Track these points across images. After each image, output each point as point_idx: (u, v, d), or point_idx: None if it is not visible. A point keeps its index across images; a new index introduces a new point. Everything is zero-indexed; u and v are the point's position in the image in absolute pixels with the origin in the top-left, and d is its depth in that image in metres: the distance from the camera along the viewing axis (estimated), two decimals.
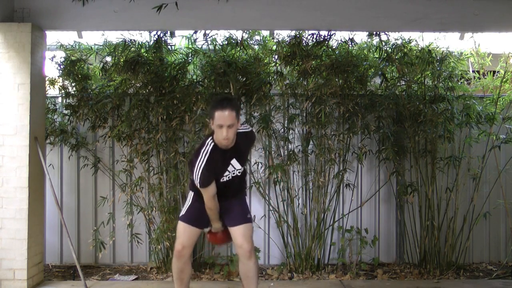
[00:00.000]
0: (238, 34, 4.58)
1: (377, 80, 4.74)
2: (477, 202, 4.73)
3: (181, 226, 3.00)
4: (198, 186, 2.80)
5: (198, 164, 2.74)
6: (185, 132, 4.59)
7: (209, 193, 2.82)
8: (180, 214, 3.08)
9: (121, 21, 4.15)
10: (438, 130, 4.64)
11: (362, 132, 4.69)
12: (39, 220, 4.14)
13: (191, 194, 3.07)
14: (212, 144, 2.79)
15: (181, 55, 4.65)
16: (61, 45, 4.67)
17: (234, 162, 2.88)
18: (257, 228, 4.82)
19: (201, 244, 4.61)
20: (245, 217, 2.99)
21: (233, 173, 2.91)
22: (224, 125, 2.67)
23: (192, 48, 4.61)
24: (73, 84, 4.69)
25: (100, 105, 4.50)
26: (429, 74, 4.63)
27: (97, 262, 4.93)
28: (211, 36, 4.55)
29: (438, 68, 4.55)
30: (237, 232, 2.94)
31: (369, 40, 4.70)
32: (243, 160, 2.95)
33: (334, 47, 4.57)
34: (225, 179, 2.90)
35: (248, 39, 4.66)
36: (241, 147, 2.90)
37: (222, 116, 2.66)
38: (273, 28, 4.52)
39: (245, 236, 2.93)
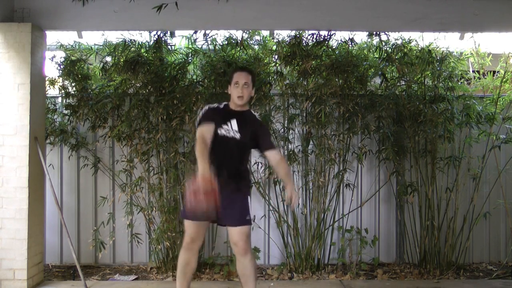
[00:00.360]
0: (238, 34, 4.58)
1: (377, 80, 4.74)
2: (477, 202, 4.73)
3: (186, 222, 3.05)
4: (197, 125, 3.00)
5: (206, 107, 3.09)
6: (185, 132, 4.59)
7: (202, 131, 2.92)
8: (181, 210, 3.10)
9: (121, 21, 4.14)
10: (438, 130, 4.64)
11: (362, 132, 4.69)
12: (39, 220, 4.14)
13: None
14: (225, 103, 3.12)
15: (181, 55, 4.65)
16: (61, 45, 4.67)
17: (233, 122, 3.02)
18: (257, 228, 4.82)
19: (201, 244, 4.59)
20: (244, 219, 2.99)
21: (230, 132, 2.99)
22: (240, 82, 2.99)
23: (192, 48, 4.61)
24: (73, 84, 4.68)
25: (100, 105, 4.50)
26: (429, 74, 4.63)
27: (97, 262, 4.93)
28: (211, 36, 4.55)
29: (438, 68, 4.55)
30: (234, 231, 2.96)
31: (369, 40, 4.70)
32: (243, 132, 3.01)
33: (334, 47, 4.57)
34: (223, 133, 2.99)
35: (248, 39, 4.66)
36: (247, 119, 3.06)
37: (240, 75, 3.02)
38: (273, 28, 4.51)
39: (240, 234, 2.95)
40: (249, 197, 3.10)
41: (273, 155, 3.06)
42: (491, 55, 4.78)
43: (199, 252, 4.51)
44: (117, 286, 4.18)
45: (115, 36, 4.54)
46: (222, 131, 3.00)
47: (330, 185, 4.72)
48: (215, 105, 3.12)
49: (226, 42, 4.59)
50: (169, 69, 4.52)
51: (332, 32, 4.43)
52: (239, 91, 2.98)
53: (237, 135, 3.00)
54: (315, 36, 4.47)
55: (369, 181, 5.02)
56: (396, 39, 4.58)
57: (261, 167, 4.78)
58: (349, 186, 4.76)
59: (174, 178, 4.50)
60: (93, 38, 4.70)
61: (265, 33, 4.72)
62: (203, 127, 2.96)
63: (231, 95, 3.04)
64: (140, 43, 4.54)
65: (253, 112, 3.20)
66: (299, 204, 4.77)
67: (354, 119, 4.59)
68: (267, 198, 4.81)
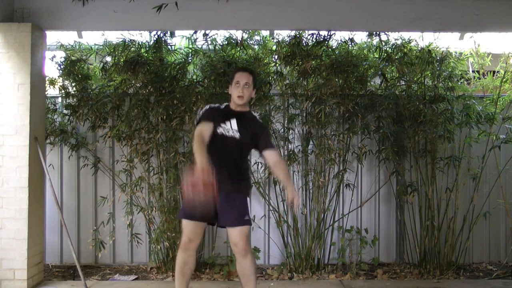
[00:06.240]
0: (238, 34, 4.58)
1: (377, 80, 4.74)
2: (477, 202, 4.73)
3: (183, 222, 3.04)
4: (196, 123, 3.05)
5: (207, 106, 3.13)
6: (185, 132, 4.59)
7: (200, 129, 2.94)
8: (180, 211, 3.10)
9: (121, 21, 4.15)
10: (438, 130, 4.64)
11: (362, 132, 4.68)
12: (39, 220, 4.14)
13: None
14: (226, 104, 3.15)
15: (181, 55, 4.65)
16: (61, 45, 4.67)
17: (233, 122, 3.02)
18: (257, 228, 4.83)
19: (201, 244, 4.61)
20: (243, 219, 2.99)
21: (230, 132, 3.00)
22: (241, 82, 3.02)
23: (192, 48, 4.61)
24: (73, 84, 4.69)
25: (100, 105, 4.50)
26: (429, 74, 4.63)
27: (97, 262, 4.93)
28: (211, 36, 4.55)
29: (438, 68, 4.55)
30: (234, 231, 2.96)
31: (369, 40, 4.70)
32: (242, 132, 3.01)
33: (334, 47, 4.57)
34: (222, 132, 2.99)
35: (248, 39, 4.66)
36: (247, 119, 3.06)
37: (242, 75, 3.05)
38: (273, 28, 4.52)
39: (240, 235, 2.95)
40: (248, 197, 3.09)
41: (271, 155, 3.04)
42: (491, 55, 4.78)
43: (198, 252, 4.54)
44: (117, 286, 4.18)
45: (115, 36, 4.55)
46: (221, 130, 3.00)
47: (330, 185, 4.72)
48: (216, 105, 3.14)
49: (226, 42, 4.59)
50: (169, 69, 4.52)
51: (332, 32, 4.43)
52: (239, 91, 3.00)
53: (237, 135, 3.00)
54: (315, 36, 4.47)
55: (369, 181, 5.02)
56: (396, 39, 4.58)
57: (261, 167, 4.78)
58: (349, 186, 4.75)
59: (174, 178, 4.50)
60: (93, 38, 4.70)
61: (265, 33, 4.72)
62: (202, 125, 2.97)
63: (232, 95, 3.06)
64: (140, 43, 4.54)
65: (253, 113, 3.20)
66: (299, 204, 4.77)
67: (354, 119, 4.59)
68: (267, 198, 4.81)
